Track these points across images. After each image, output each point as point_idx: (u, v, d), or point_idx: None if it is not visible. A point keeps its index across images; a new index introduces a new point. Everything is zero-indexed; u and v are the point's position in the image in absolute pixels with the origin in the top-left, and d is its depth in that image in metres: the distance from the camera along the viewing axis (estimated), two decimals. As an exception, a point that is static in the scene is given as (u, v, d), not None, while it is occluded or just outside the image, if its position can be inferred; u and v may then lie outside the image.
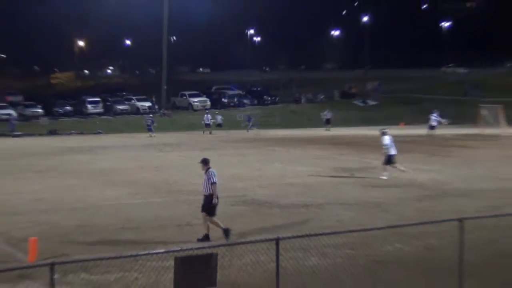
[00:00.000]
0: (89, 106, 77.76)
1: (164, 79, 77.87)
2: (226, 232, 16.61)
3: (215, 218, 16.82)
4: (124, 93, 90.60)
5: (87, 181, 27.37)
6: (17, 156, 37.32)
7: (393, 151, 27.62)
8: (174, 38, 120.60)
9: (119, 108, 77.09)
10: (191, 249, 11.76)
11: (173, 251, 11.70)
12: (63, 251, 15.46)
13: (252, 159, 35.22)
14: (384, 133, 27.91)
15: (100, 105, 78.41)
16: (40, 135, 57.77)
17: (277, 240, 10.64)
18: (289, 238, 12.13)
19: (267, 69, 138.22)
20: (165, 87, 77.55)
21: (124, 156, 37.36)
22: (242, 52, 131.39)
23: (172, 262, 10.15)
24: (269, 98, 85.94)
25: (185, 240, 16.60)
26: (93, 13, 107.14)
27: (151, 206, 21.63)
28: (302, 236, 13.60)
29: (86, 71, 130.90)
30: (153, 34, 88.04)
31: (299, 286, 12.44)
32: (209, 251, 10.51)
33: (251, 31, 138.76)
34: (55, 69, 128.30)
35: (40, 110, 75.06)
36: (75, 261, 13.30)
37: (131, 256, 13.69)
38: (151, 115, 64.81)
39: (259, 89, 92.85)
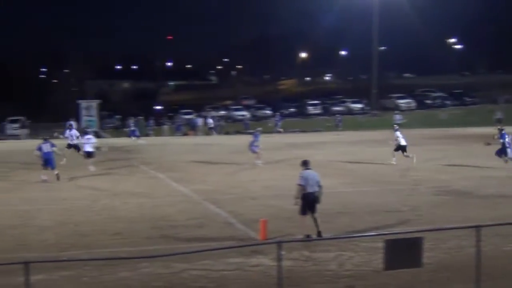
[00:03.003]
0: (309, 107, 78.82)
1: (374, 83, 77.18)
2: (308, 236, 15.01)
3: (302, 218, 15.37)
4: (339, 96, 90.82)
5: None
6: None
7: (403, 142, 30.08)
8: (383, 47, 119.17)
9: (335, 109, 77.51)
10: (400, 232, 11.56)
11: (384, 234, 11.57)
12: (289, 231, 15.70)
13: (454, 155, 34.00)
14: (396, 130, 31.22)
15: (319, 106, 79.23)
16: (269, 133, 59.37)
17: (478, 227, 10.19)
18: (489, 225, 11.59)
19: (466, 73, 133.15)
20: (375, 91, 76.85)
21: (339, 150, 37.43)
22: (443, 58, 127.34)
23: (382, 244, 10.00)
24: (469, 99, 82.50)
25: (394, 225, 16.34)
26: (313, 29, 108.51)
27: (363, 194, 21.51)
28: (502, 224, 12.95)
29: (307, 78, 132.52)
30: (364, 45, 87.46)
31: (497, 269, 11.84)
32: (415, 235, 10.25)
33: (452, 40, 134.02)
34: (282, 77, 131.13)
35: (269, 112, 76.99)
36: (298, 240, 13.53)
37: (347, 237, 13.75)
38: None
39: (459, 91, 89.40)
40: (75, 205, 20.26)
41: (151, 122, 61.60)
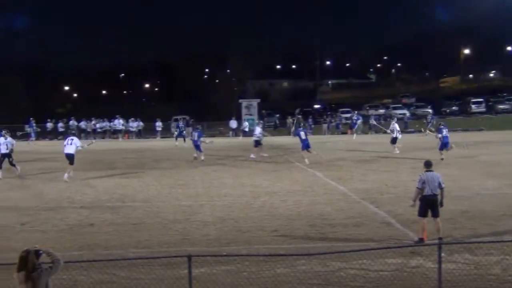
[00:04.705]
0: (473, 106, 76.36)
1: (542, 80, 73.45)
2: (419, 240, 14.43)
3: (420, 219, 14.71)
4: (504, 94, 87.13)
5: (469, 172, 26.79)
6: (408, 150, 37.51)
7: (396, 135, 34.90)
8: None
9: (500, 107, 74.48)
10: None
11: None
12: (449, 232, 15.24)
13: None
14: (395, 120, 37.11)
15: (483, 104, 76.53)
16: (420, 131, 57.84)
17: None
18: None
19: None
20: (544, 88, 73.05)
21: (504, 150, 35.76)
22: None
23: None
24: None
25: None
26: (477, 24, 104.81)
27: (530, 196, 20.50)
28: None
29: (470, 75, 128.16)
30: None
31: None
32: None
33: None
34: (444, 75, 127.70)
35: (429, 110, 75.28)
36: (460, 242, 13.11)
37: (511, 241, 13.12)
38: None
39: None
40: (236, 201, 20.78)
41: (310, 120, 62.04)
